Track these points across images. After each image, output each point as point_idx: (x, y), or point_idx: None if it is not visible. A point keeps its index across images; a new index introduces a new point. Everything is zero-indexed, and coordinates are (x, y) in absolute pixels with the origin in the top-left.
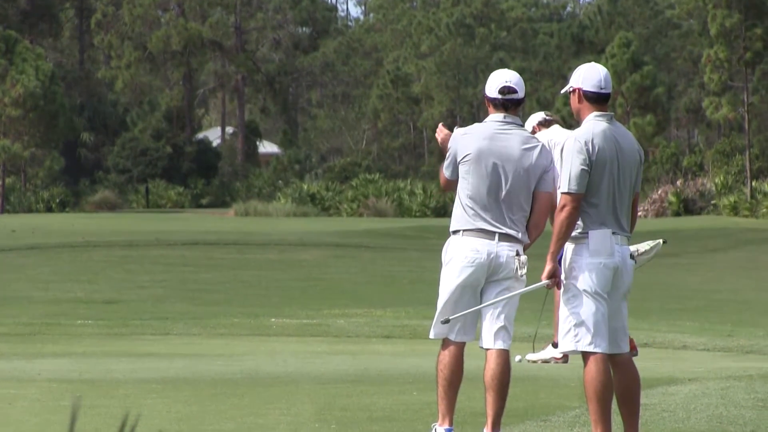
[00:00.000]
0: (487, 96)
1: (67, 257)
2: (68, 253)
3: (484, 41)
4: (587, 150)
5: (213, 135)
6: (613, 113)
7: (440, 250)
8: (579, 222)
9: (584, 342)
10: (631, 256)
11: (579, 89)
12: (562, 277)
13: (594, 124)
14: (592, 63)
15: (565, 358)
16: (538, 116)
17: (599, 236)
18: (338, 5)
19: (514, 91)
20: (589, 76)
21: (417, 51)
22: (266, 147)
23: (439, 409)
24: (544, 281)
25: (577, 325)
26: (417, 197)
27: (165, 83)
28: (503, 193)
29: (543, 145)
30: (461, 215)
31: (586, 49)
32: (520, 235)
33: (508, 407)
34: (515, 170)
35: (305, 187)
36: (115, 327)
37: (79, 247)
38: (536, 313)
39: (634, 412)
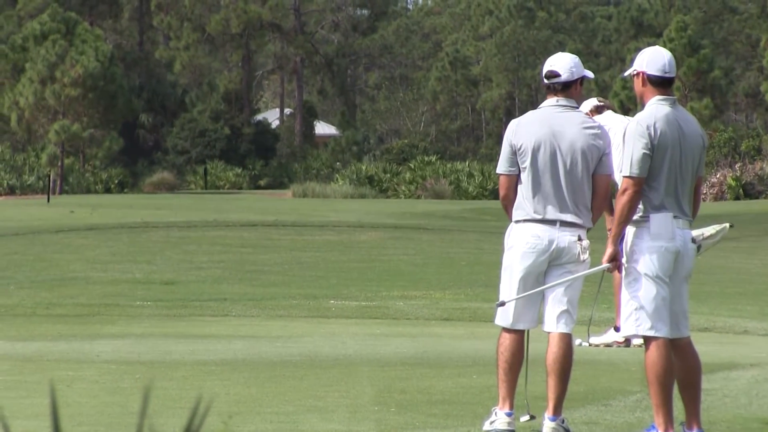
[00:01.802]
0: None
1: (126, 238)
2: (127, 233)
3: (544, 24)
4: (649, 134)
5: (271, 116)
6: (675, 97)
7: (498, 233)
8: (640, 205)
9: (645, 326)
10: (693, 240)
11: (642, 73)
12: (623, 260)
13: (657, 107)
14: (656, 47)
15: (627, 341)
16: (591, 103)
17: (660, 220)
18: None
19: (557, 75)
20: (653, 59)
21: (476, 33)
22: (324, 128)
23: (499, 393)
24: (605, 264)
25: (638, 309)
26: (475, 179)
27: (224, 65)
28: (564, 178)
29: (600, 127)
30: (523, 205)
31: (644, 32)
32: (582, 221)
33: (568, 391)
34: (573, 153)
35: (363, 168)
36: (173, 308)
37: (138, 228)
38: (592, 296)
39: (695, 396)
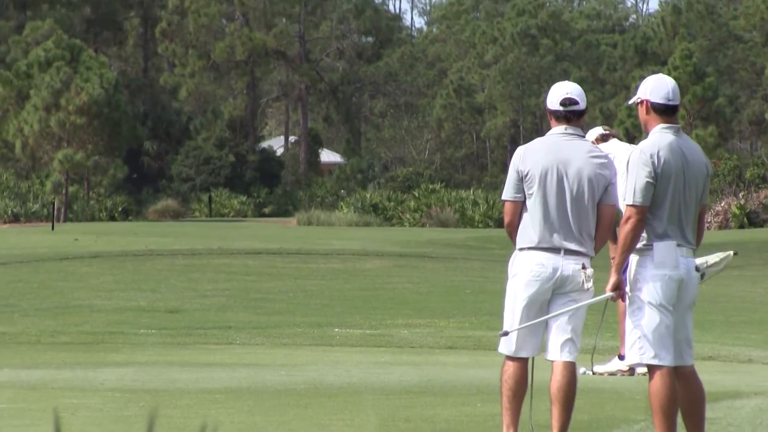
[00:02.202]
0: (548, 109)
1: (130, 266)
2: (131, 261)
3: (548, 51)
4: (653, 162)
5: (276, 144)
6: (680, 125)
7: (503, 261)
8: (643, 234)
9: (648, 355)
10: (697, 269)
11: (647, 101)
12: (627, 289)
13: (660, 136)
14: (660, 74)
15: (631, 370)
16: (596, 131)
17: (664, 248)
18: (402, 15)
19: (576, 103)
20: (656, 87)
21: (480, 61)
22: (329, 156)
23: (503, 421)
24: (609, 293)
25: (641, 338)
26: (480, 207)
27: (229, 92)
28: (571, 205)
29: (607, 156)
30: (528, 232)
31: (649, 60)
32: (586, 250)
33: (573, 420)
34: (580, 181)
35: (368, 196)
36: (177, 336)
37: (142, 256)
38: (596, 325)
39: (699, 425)
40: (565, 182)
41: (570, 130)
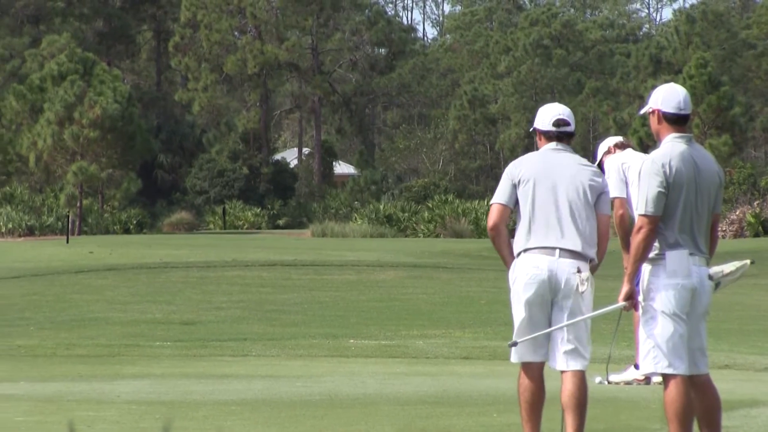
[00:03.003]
0: (539, 129)
1: (145, 278)
2: (146, 274)
3: (562, 62)
4: (665, 172)
5: (290, 156)
6: (692, 134)
7: None
8: (656, 243)
9: (663, 364)
10: (711, 277)
11: (658, 110)
12: (640, 298)
13: (672, 145)
14: (672, 84)
15: (647, 379)
16: (614, 139)
17: (676, 257)
18: (414, 25)
19: (568, 124)
20: (668, 97)
21: (494, 71)
22: (343, 168)
23: None
24: (621, 303)
25: (655, 347)
26: None
27: (242, 104)
28: (566, 207)
29: (597, 168)
30: (523, 236)
31: (663, 69)
32: (581, 249)
33: (588, 429)
34: (575, 185)
35: (382, 207)
36: (193, 348)
37: (157, 268)
38: (611, 334)
39: None
40: (560, 185)
41: (561, 147)
